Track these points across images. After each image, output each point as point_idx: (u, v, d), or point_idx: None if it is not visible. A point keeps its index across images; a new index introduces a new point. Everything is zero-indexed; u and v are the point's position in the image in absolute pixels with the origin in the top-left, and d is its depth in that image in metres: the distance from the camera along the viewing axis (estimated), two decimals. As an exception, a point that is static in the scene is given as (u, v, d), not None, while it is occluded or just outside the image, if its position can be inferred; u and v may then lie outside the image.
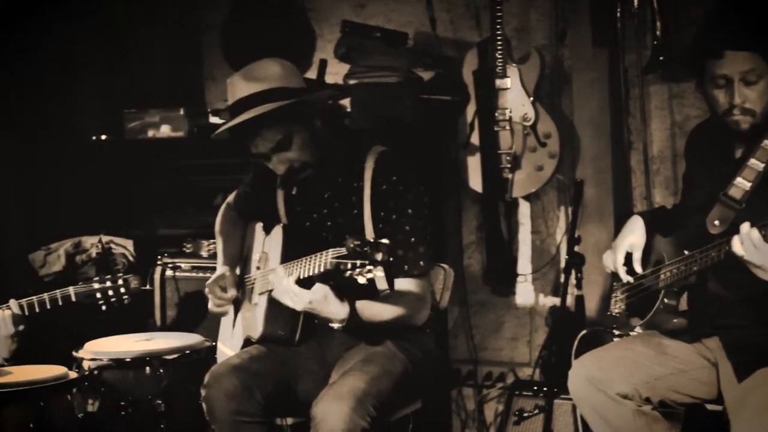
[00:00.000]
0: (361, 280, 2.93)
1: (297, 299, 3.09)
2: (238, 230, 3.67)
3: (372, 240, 2.91)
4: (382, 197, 3.27)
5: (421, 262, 3.25)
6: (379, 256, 2.88)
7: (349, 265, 2.92)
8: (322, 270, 3.03)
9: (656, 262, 3.20)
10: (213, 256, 4.39)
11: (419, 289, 3.27)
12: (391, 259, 2.92)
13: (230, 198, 3.76)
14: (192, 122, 4.81)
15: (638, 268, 3.23)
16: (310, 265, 3.08)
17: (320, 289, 3.07)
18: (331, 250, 2.99)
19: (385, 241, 2.91)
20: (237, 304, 3.56)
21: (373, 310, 3.18)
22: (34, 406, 3.37)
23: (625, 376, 3.07)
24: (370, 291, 3.16)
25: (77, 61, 5.20)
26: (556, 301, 4.55)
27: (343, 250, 2.93)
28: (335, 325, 3.13)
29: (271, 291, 3.30)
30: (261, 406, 3.22)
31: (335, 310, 3.10)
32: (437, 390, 4.46)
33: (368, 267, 2.90)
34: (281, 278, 3.13)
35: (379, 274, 2.91)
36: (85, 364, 3.69)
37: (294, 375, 3.36)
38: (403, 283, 3.25)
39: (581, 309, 4.22)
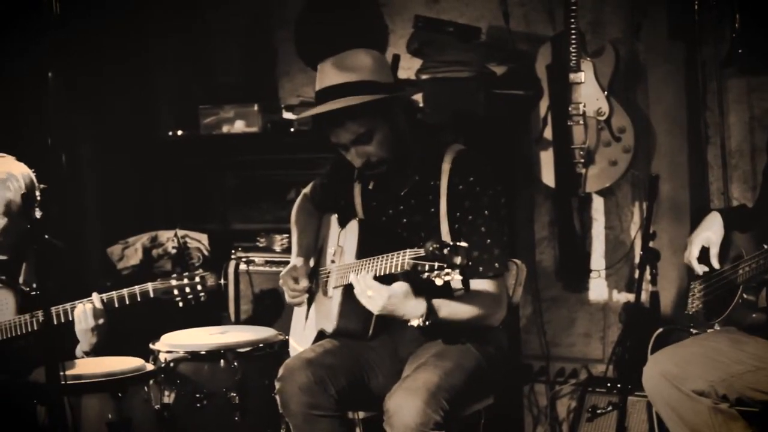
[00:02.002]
0: (438, 282, 2.93)
1: (375, 296, 3.07)
2: (313, 222, 3.67)
3: (451, 243, 2.90)
4: (459, 197, 3.26)
5: (496, 264, 3.23)
6: (457, 260, 2.87)
7: (427, 267, 2.91)
8: (399, 270, 3.03)
9: (735, 258, 3.15)
10: (286, 250, 4.43)
11: (495, 290, 3.25)
12: (469, 263, 2.90)
13: (307, 189, 3.76)
14: (266, 118, 4.85)
15: (715, 263, 3.18)
16: (387, 263, 3.08)
17: (400, 287, 3.07)
18: (409, 250, 2.99)
19: (463, 244, 2.89)
20: (310, 296, 3.58)
21: (450, 309, 3.17)
22: (113, 397, 3.43)
23: (701, 372, 3.03)
24: (444, 292, 3.16)
25: (154, 57, 5.28)
26: (630, 297, 4.51)
27: (422, 251, 2.92)
28: (414, 322, 3.11)
29: (346, 285, 3.32)
30: (335, 400, 3.24)
31: (413, 306, 3.09)
32: (509, 385, 4.44)
33: (446, 270, 2.89)
34: (358, 279, 3.12)
35: (456, 276, 2.90)
36: (162, 357, 3.75)
37: (367, 369, 3.37)
38: (479, 284, 3.24)
39: (656, 305, 4.15)
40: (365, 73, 3.20)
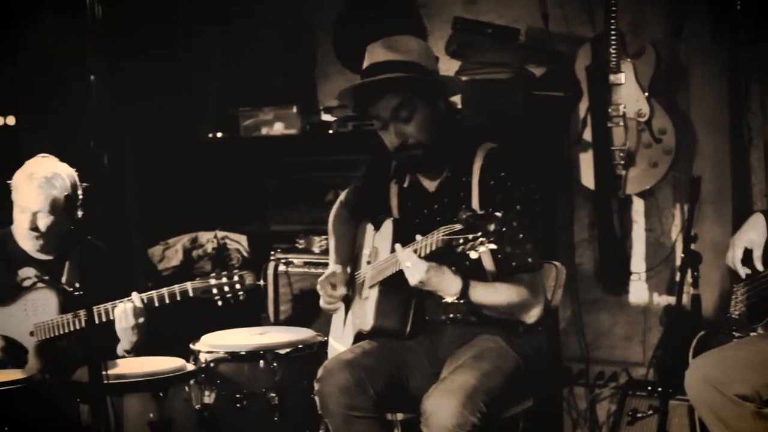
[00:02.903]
0: (473, 255, 2.92)
1: (413, 269, 3.07)
2: (350, 229, 3.68)
3: (484, 211, 2.90)
4: (491, 192, 3.26)
5: (529, 259, 3.23)
6: (491, 227, 2.86)
7: (461, 240, 2.91)
8: (434, 248, 3.03)
9: (779, 260, 3.12)
10: (325, 251, 4.44)
11: (530, 283, 3.25)
12: (504, 229, 2.88)
13: (342, 196, 3.77)
14: (305, 120, 4.88)
15: (759, 265, 3.15)
16: (421, 245, 3.08)
17: (438, 262, 3.08)
18: (442, 227, 3.00)
19: (497, 213, 2.89)
20: (347, 301, 3.59)
21: (485, 291, 3.17)
22: (154, 397, 3.47)
23: (744, 376, 3.00)
24: (478, 274, 3.16)
25: (194, 60, 5.32)
26: (671, 300, 4.48)
27: (454, 227, 2.92)
28: (449, 299, 3.12)
29: (381, 282, 3.32)
30: (373, 401, 3.23)
31: (449, 281, 3.10)
32: (548, 388, 4.42)
33: (480, 239, 2.88)
34: (400, 250, 3.13)
35: (491, 247, 2.88)
36: (202, 357, 3.78)
37: (405, 370, 3.37)
38: (513, 278, 3.24)
39: (697, 309, 4.11)
40: (413, 55, 3.26)
